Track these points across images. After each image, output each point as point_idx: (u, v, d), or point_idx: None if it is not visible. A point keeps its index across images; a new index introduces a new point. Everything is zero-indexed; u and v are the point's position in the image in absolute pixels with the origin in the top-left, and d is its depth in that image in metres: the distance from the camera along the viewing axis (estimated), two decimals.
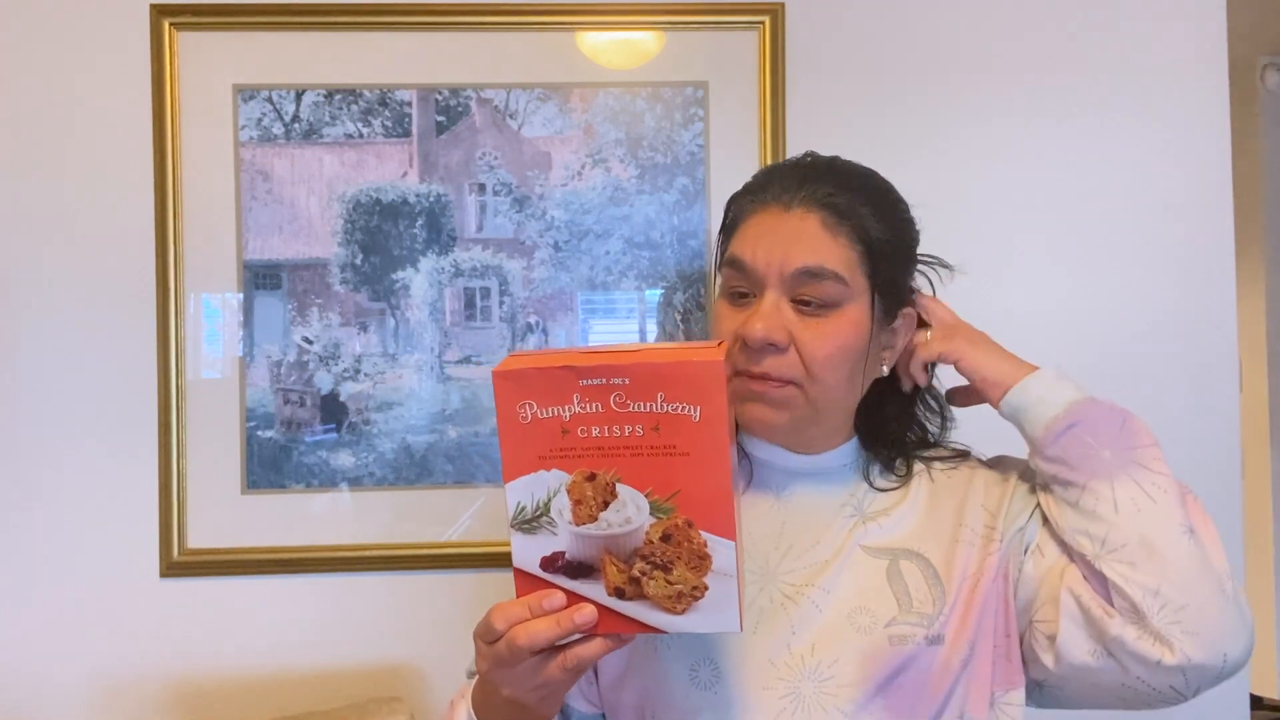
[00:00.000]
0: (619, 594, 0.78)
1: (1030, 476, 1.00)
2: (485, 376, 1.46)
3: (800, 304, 0.93)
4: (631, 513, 0.76)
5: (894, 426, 1.04)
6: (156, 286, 1.43)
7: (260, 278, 1.45)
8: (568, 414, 0.75)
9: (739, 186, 1.04)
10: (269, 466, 1.44)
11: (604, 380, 0.74)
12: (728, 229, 1.00)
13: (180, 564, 1.43)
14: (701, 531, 0.76)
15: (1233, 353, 1.51)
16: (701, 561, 0.76)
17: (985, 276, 1.49)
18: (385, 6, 1.45)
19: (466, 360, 1.46)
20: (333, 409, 1.45)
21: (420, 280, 1.46)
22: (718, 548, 0.76)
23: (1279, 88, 2.93)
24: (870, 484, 1.01)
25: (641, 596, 0.77)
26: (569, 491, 0.77)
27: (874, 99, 1.49)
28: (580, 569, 0.78)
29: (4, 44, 1.43)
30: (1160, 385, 1.49)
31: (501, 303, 1.46)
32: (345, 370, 1.45)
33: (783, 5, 1.46)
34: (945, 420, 1.07)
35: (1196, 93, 1.50)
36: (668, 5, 1.46)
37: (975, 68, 1.50)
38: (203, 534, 1.43)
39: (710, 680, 0.92)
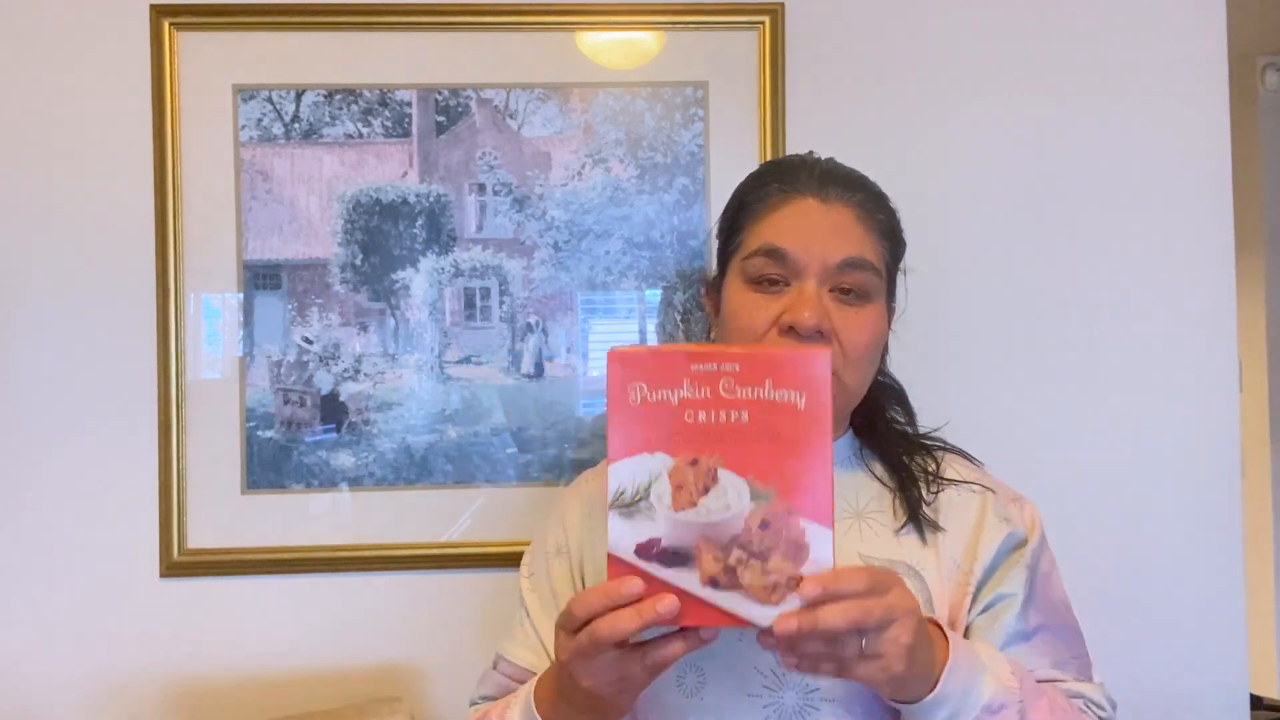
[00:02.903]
0: (713, 584, 0.76)
1: (1022, 550, 0.97)
2: (485, 377, 1.46)
3: (839, 294, 0.94)
4: (732, 499, 0.76)
5: (876, 413, 1.05)
6: (156, 286, 1.43)
7: (260, 278, 1.45)
8: (676, 398, 0.77)
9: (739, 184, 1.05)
10: (269, 466, 1.44)
11: (715, 366, 0.76)
12: (749, 214, 0.99)
13: (180, 564, 1.43)
14: (801, 520, 0.76)
15: (1233, 353, 1.51)
16: (799, 551, 0.76)
17: (984, 276, 1.49)
18: (385, 6, 1.45)
19: (466, 360, 1.46)
20: (333, 409, 1.45)
21: (420, 280, 1.46)
22: (815, 537, 0.75)
23: (1279, 88, 2.93)
24: (873, 474, 1.01)
25: (736, 586, 0.76)
26: (670, 476, 0.77)
27: (874, 98, 1.49)
28: (676, 556, 0.77)
29: (3, 44, 1.43)
30: (1160, 385, 1.49)
31: (501, 303, 1.46)
32: (345, 370, 1.45)
33: (783, 5, 1.46)
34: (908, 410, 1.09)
35: (1196, 93, 1.50)
36: (668, 5, 1.46)
37: (975, 67, 1.49)
38: (203, 534, 1.43)
39: (695, 687, 0.92)
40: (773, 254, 0.95)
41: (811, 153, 1.04)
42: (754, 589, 0.76)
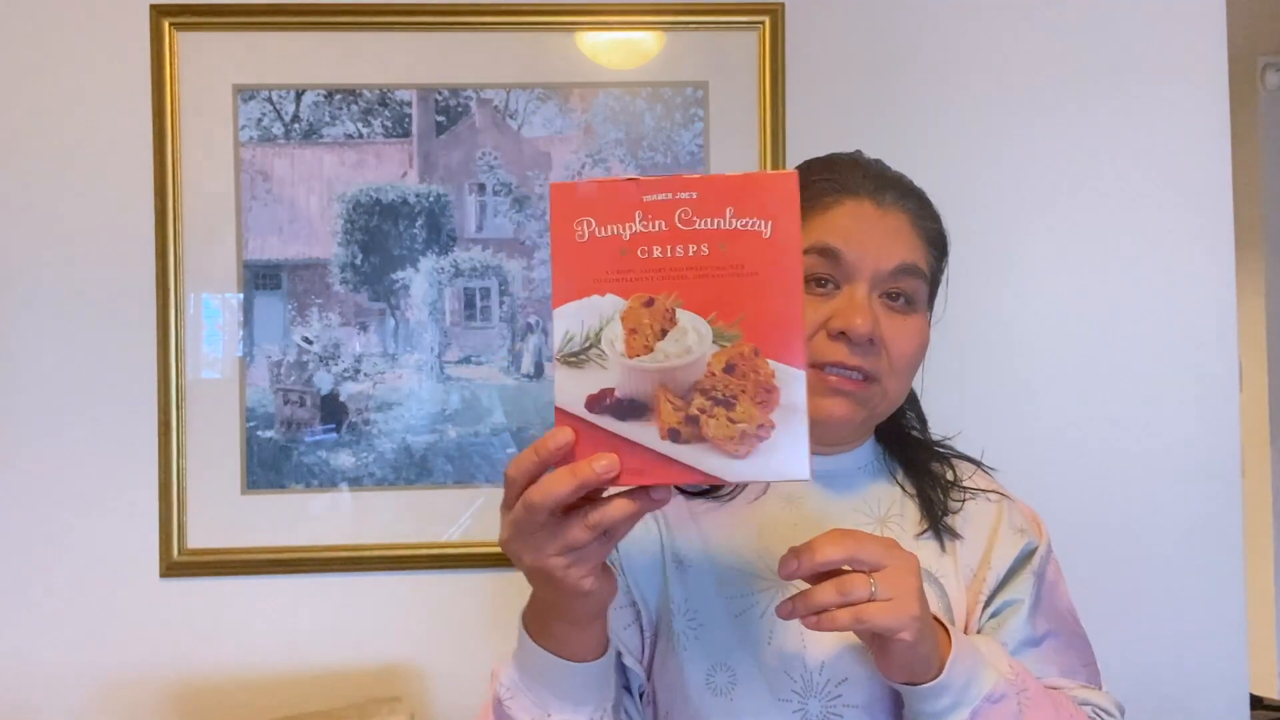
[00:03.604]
0: (673, 436, 0.68)
1: (1031, 558, 0.97)
2: (485, 377, 1.46)
3: (887, 300, 0.92)
4: (692, 341, 0.69)
5: (898, 420, 1.04)
6: (156, 286, 1.43)
7: (260, 278, 1.45)
8: (628, 233, 0.69)
9: None
10: (269, 466, 1.44)
11: (670, 195, 0.69)
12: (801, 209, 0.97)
13: (180, 564, 1.43)
14: (769, 361, 0.68)
15: (1233, 353, 1.51)
16: (769, 395, 0.68)
17: (984, 276, 1.49)
18: (385, 7, 1.45)
19: (466, 360, 1.46)
20: (333, 409, 1.45)
21: (420, 280, 1.46)
22: (787, 379, 0.68)
23: (1279, 87, 2.93)
24: (895, 480, 1.00)
25: (699, 438, 0.68)
26: (623, 319, 0.69)
27: (874, 99, 1.49)
28: (631, 408, 0.69)
29: (4, 44, 1.43)
30: (1160, 385, 1.49)
31: (501, 303, 1.46)
32: (345, 370, 1.45)
33: (783, 5, 1.46)
34: (921, 418, 1.08)
35: (1196, 93, 1.50)
36: (668, 5, 1.46)
37: (975, 68, 1.50)
38: (203, 534, 1.43)
39: (726, 687, 0.90)
40: (825, 253, 0.92)
41: (859, 151, 1.01)
42: (718, 440, 0.68)
